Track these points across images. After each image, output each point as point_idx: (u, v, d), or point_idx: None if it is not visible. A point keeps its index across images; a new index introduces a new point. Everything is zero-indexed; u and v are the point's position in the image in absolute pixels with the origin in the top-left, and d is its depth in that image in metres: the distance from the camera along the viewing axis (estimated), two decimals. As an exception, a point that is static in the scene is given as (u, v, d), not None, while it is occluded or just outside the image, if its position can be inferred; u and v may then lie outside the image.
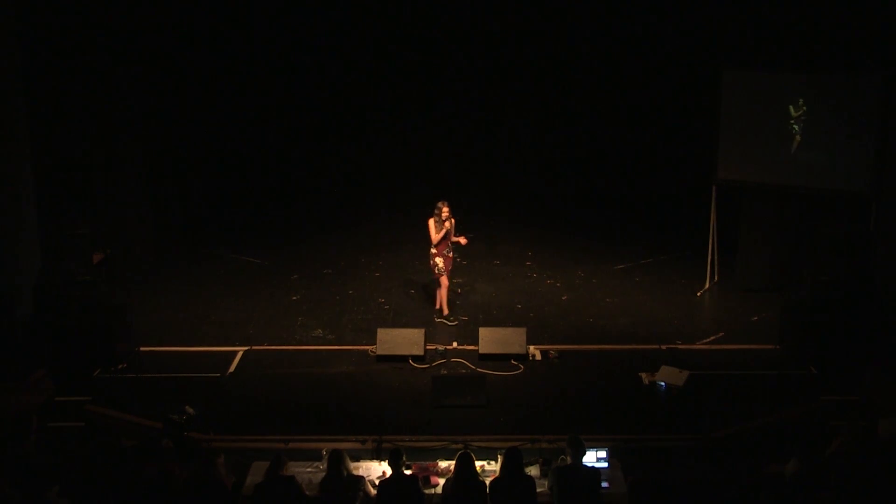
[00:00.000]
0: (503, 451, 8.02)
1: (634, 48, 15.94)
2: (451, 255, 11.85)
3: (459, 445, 8.77)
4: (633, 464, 8.60)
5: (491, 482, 7.87)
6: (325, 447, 8.59)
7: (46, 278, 10.98)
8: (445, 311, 11.97)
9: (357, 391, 10.27)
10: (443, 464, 8.57)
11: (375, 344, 10.99)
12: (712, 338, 11.64)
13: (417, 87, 16.66)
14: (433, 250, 11.73)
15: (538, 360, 10.89)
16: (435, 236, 11.64)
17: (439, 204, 11.62)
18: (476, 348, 11.02)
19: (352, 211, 16.39)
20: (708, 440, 9.20)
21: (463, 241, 11.84)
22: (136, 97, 13.31)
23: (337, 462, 7.86)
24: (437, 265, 11.74)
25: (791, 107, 12.03)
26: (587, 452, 8.07)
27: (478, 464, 8.22)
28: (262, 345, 11.42)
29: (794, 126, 12.04)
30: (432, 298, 12.87)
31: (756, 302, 12.57)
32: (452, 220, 11.71)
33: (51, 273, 10.95)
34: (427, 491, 8.15)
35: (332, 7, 16.03)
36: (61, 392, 10.19)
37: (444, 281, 11.85)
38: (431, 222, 11.66)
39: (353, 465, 8.16)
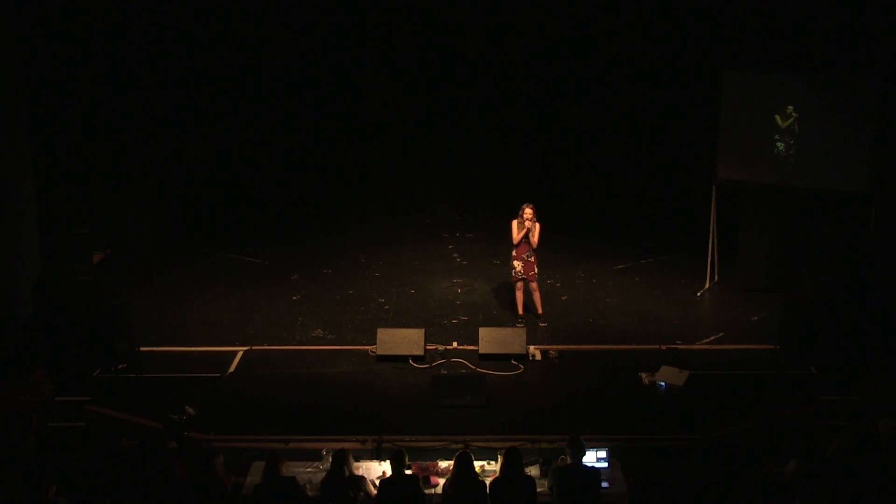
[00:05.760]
0: (503, 451, 8.02)
1: (634, 48, 15.94)
2: (532, 259, 11.56)
3: (459, 445, 8.77)
4: (633, 464, 8.60)
5: (491, 482, 7.87)
6: (325, 447, 8.61)
7: (46, 278, 10.98)
8: (520, 311, 11.84)
9: (357, 391, 10.27)
10: (443, 464, 8.57)
11: (375, 344, 10.99)
12: (712, 338, 11.64)
13: (418, 87, 16.67)
14: (513, 252, 11.60)
15: (538, 360, 10.89)
16: (514, 237, 11.49)
17: (523, 206, 11.47)
18: (476, 348, 11.02)
19: (352, 211, 16.39)
20: (708, 440, 9.20)
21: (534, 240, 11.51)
22: (136, 97, 13.31)
23: (341, 461, 7.87)
24: (513, 268, 11.63)
25: (778, 116, 12.00)
26: (587, 452, 8.08)
27: (478, 464, 8.22)
28: (262, 345, 11.42)
29: (779, 144, 12.03)
30: (431, 298, 12.89)
31: (756, 302, 12.57)
32: (538, 224, 11.47)
33: (51, 273, 10.96)
34: (427, 491, 8.15)
35: (331, 9, 16.03)
36: (61, 392, 10.18)
37: (520, 285, 11.70)
38: (514, 224, 11.52)
39: (353, 464, 8.16)
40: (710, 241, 13.01)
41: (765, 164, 12.30)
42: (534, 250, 11.57)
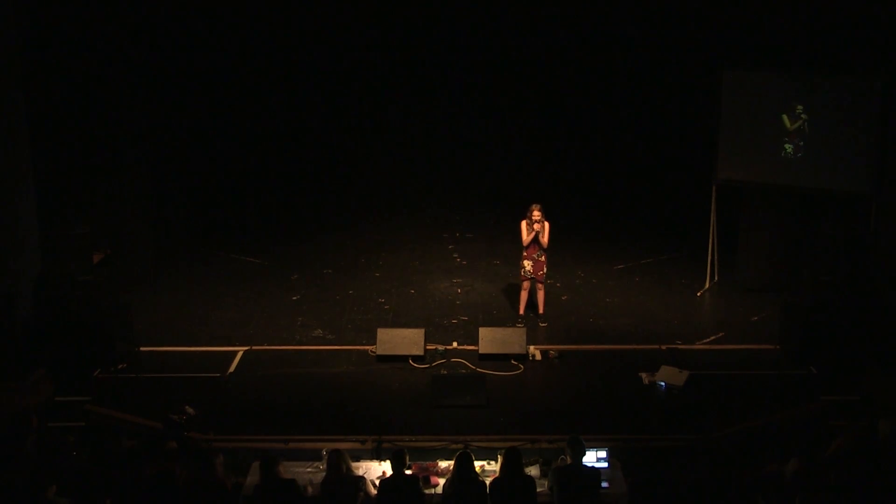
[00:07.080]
0: (503, 451, 8.02)
1: (634, 48, 15.95)
2: (542, 258, 11.56)
3: (459, 445, 8.77)
4: (633, 464, 8.60)
5: (491, 482, 7.87)
6: (325, 447, 8.60)
7: (46, 278, 10.97)
8: (521, 311, 11.84)
9: (357, 391, 10.27)
10: (443, 464, 8.58)
11: (375, 344, 10.99)
12: (712, 338, 11.64)
13: (417, 87, 16.67)
14: (524, 252, 11.60)
15: (538, 360, 10.89)
16: (524, 238, 11.49)
17: (531, 206, 11.45)
18: (476, 348, 11.02)
19: (352, 211, 16.38)
20: (708, 440, 9.20)
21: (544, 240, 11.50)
22: (136, 97, 13.31)
23: (337, 462, 7.86)
24: (523, 267, 11.63)
25: (785, 117, 11.98)
26: (587, 452, 8.08)
27: (478, 464, 8.22)
28: (262, 345, 11.42)
29: (787, 146, 12.03)
30: (431, 298, 12.89)
31: (756, 302, 12.56)
32: (547, 224, 11.48)
33: (51, 273, 10.95)
34: (427, 491, 8.15)
35: (331, 9, 16.03)
36: (61, 392, 10.17)
37: (526, 284, 11.70)
38: (523, 224, 11.51)
39: (353, 465, 8.16)
40: (710, 241, 13.01)
41: (767, 165, 12.27)
42: (544, 250, 11.55)
